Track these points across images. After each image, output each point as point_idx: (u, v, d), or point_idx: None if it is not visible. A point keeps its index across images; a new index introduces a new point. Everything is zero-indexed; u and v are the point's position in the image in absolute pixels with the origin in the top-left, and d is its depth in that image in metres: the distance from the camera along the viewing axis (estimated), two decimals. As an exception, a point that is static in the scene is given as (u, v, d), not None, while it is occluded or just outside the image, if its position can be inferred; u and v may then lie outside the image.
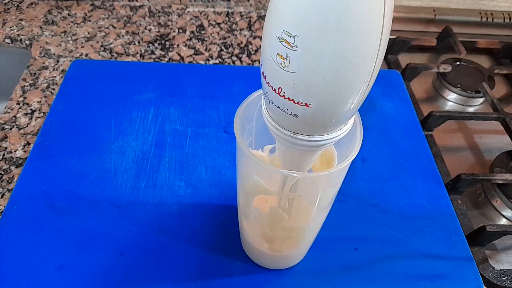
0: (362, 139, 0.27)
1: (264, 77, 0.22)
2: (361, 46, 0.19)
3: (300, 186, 0.29)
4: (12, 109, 0.52)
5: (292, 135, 0.24)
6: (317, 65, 0.19)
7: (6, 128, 0.50)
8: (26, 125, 0.50)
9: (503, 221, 0.48)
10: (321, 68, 0.19)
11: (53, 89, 0.55)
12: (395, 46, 0.67)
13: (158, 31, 0.64)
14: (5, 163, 0.46)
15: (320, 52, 0.19)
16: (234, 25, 0.67)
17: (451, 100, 0.63)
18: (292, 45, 0.19)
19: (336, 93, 0.20)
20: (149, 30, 0.64)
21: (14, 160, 0.47)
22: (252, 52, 0.62)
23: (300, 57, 0.19)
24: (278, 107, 0.23)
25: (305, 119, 0.22)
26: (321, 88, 0.20)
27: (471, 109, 0.62)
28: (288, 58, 0.20)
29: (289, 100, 0.21)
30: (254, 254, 0.39)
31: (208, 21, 0.67)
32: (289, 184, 0.28)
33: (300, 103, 0.21)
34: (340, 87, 0.20)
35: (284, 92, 0.21)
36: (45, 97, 0.54)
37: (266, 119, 0.25)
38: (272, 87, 0.22)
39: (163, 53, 0.61)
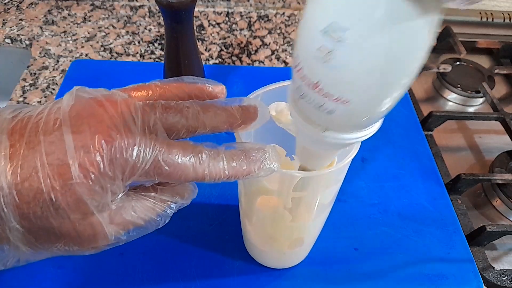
0: None
1: (299, 70, 0.21)
2: (412, 44, 0.18)
3: (304, 185, 0.29)
4: (12, 109, 0.52)
5: (321, 132, 0.23)
6: (363, 61, 0.18)
7: (6, 128, 0.50)
8: (26, 125, 0.50)
9: (503, 221, 0.48)
10: (367, 64, 0.18)
11: (53, 89, 0.55)
12: (395, 46, 0.67)
13: (158, 31, 0.64)
14: (5, 163, 0.46)
15: (369, 48, 0.18)
16: (234, 25, 0.67)
17: (451, 100, 0.63)
18: (339, 38, 0.18)
19: (379, 91, 0.19)
20: (149, 30, 0.64)
21: (14, 160, 0.47)
22: (252, 52, 0.62)
23: (347, 51, 0.18)
24: (311, 102, 0.21)
25: (340, 117, 0.21)
26: (364, 85, 0.19)
27: (471, 109, 0.62)
28: (332, 51, 0.18)
29: (326, 96, 0.20)
30: (257, 254, 0.39)
31: (208, 21, 0.67)
32: (293, 183, 0.28)
33: (338, 99, 0.20)
34: (385, 85, 0.19)
35: (321, 87, 0.20)
36: (45, 97, 0.54)
37: (293, 116, 0.24)
38: (308, 81, 0.20)
39: (163, 53, 0.61)
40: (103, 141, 0.19)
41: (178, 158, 0.21)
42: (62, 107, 0.20)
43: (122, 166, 0.19)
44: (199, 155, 0.21)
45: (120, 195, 0.21)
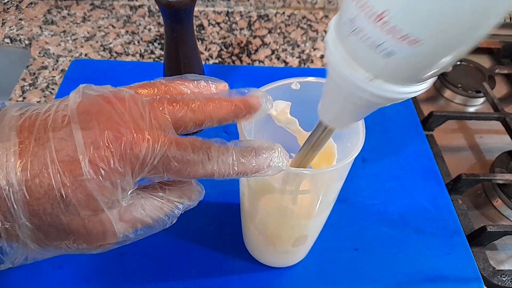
0: (365, 130, 0.27)
1: None
2: None
3: (310, 182, 0.28)
4: (11, 109, 0.52)
5: (368, 80, 0.19)
6: None
7: (5, 128, 0.50)
8: (25, 125, 0.50)
9: (504, 221, 0.48)
10: None
11: (53, 89, 0.55)
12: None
13: (158, 31, 0.64)
14: (5, 163, 0.46)
15: None
16: (234, 25, 0.66)
17: (452, 100, 0.62)
18: None
19: (460, 31, 0.16)
20: (149, 30, 0.64)
21: (14, 160, 0.47)
22: (252, 52, 0.62)
23: None
24: (367, 40, 0.17)
25: (400, 61, 0.17)
26: (445, 22, 0.15)
27: (471, 109, 0.62)
28: None
29: (391, 31, 0.16)
30: (258, 253, 0.38)
31: (208, 20, 0.67)
32: (300, 181, 0.27)
33: (405, 37, 0.16)
34: (468, 23, 0.16)
35: (387, 20, 0.16)
36: (44, 97, 0.54)
37: (331, 56, 0.20)
38: (370, 10, 0.17)
39: (163, 52, 0.61)
40: (112, 137, 0.19)
41: (187, 154, 0.21)
42: (70, 104, 0.20)
43: (132, 161, 0.20)
44: (208, 151, 0.21)
45: (129, 192, 0.21)
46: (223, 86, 0.26)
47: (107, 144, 0.19)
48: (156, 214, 0.22)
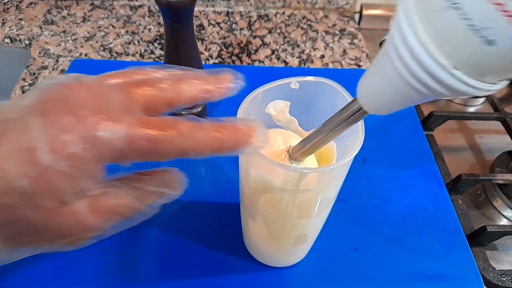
0: (364, 129, 0.27)
1: None
2: None
3: (310, 181, 0.28)
4: (11, 109, 0.52)
5: (447, 69, 0.16)
6: None
7: (5, 128, 0.50)
8: (25, 125, 0.50)
9: (504, 221, 0.48)
10: None
11: (53, 88, 0.55)
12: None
13: (158, 31, 0.64)
14: (5, 163, 0.46)
15: None
16: (234, 25, 0.66)
17: (452, 100, 0.62)
18: None
19: None
20: (149, 30, 0.64)
21: (14, 160, 0.47)
22: (252, 52, 0.62)
23: None
24: (467, 19, 0.15)
25: (501, 52, 0.15)
26: None
27: (471, 109, 0.62)
28: None
29: (507, 14, 0.14)
30: (259, 253, 0.38)
31: (208, 20, 0.67)
32: (301, 180, 0.27)
33: None
34: None
35: (507, 2, 0.14)
36: (44, 96, 0.54)
37: (407, 31, 0.16)
38: None
39: (163, 52, 0.61)
40: (71, 121, 0.18)
41: (155, 132, 0.19)
42: (30, 96, 0.19)
43: (94, 145, 0.18)
44: (179, 127, 0.20)
45: (99, 181, 0.20)
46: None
47: (66, 129, 0.18)
48: (134, 204, 0.21)
